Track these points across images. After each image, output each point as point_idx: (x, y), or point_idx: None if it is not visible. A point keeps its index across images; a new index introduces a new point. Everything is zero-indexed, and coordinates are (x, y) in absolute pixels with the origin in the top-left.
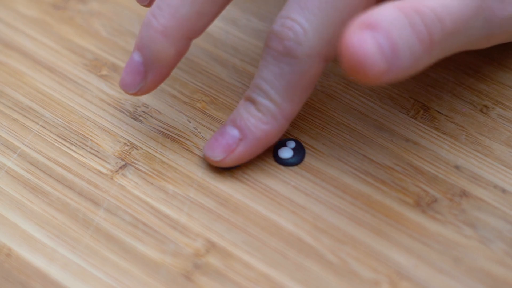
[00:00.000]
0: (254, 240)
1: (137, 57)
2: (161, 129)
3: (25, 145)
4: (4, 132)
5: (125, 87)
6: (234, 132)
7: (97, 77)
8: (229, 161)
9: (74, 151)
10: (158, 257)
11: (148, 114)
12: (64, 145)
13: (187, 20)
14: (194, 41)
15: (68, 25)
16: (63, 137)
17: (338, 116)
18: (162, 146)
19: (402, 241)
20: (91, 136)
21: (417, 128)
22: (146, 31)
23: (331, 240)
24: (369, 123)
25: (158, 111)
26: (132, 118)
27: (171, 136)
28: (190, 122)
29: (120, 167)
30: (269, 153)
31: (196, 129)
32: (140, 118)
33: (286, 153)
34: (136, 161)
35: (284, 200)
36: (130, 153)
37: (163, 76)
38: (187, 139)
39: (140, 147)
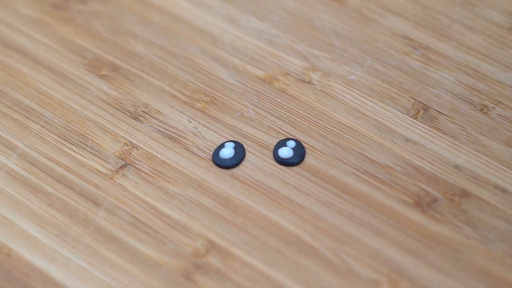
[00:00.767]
0: (254, 240)
1: None
2: (161, 129)
3: (25, 145)
4: (4, 132)
5: None
6: None
7: (97, 77)
8: None
9: (74, 151)
10: (158, 257)
11: (148, 114)
12: (64, 145)
13: None
14: (194, 41)
15: (68, 25)
16: (63, 137)
17: (338, 116)
18: (162, 146)
19: (402, 241)
20: (91, 136)
21: (417, 128)
22: None
23: (331, 240)
24: (369, 123)
25: (158, 111)
26: (132, 118)
27: (171, 136)
28: (190, 122)
29: (120, 167)
30: (269, 153)
31: (196, 129)
32: (140, 118)
33: (286, 153)
34: (136, 161)
35: (284, 200)
36: (130, 153)
37: None
38: (187, 139)
39: (140, 147)
